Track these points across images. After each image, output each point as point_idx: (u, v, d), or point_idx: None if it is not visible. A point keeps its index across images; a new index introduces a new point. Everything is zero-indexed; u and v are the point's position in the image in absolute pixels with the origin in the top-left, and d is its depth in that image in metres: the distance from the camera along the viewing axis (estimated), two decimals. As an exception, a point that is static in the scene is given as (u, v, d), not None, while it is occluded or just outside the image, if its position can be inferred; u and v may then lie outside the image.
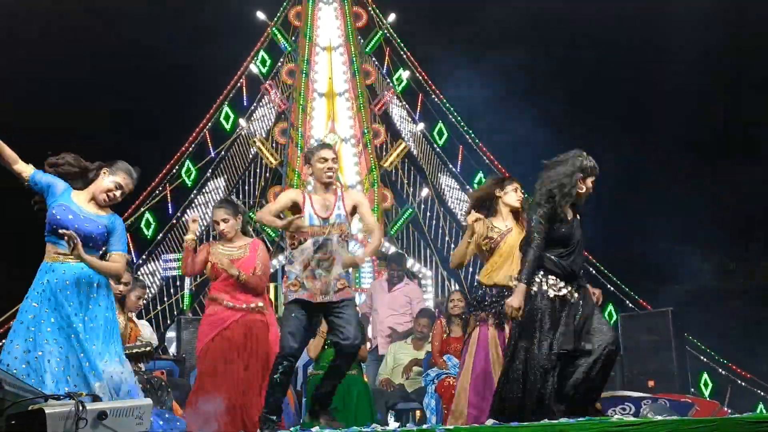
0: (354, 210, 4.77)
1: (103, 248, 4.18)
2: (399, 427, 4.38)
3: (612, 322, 12.63)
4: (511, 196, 5.19)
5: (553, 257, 4.44)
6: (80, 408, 3.09)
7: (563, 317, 4.38)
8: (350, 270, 4.73)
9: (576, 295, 4.46)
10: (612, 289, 11.70)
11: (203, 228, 11.57)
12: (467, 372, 5.03)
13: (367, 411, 6.08)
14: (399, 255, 8.97)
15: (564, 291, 4.42)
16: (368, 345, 7.67)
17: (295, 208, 4.72)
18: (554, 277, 4.43)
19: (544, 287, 4.42)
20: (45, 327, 3.93)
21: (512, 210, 5.18)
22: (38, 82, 14.01)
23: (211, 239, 5.64)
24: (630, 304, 11.86)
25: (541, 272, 4.43)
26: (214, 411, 4.91)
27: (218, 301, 5.27)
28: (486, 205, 5.23)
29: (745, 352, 11.86)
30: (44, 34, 13.69)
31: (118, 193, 4.18)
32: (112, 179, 4.16)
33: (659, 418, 4.13)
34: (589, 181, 4.54)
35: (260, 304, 5.33)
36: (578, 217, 4.59)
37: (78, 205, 4.10)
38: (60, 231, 3.92)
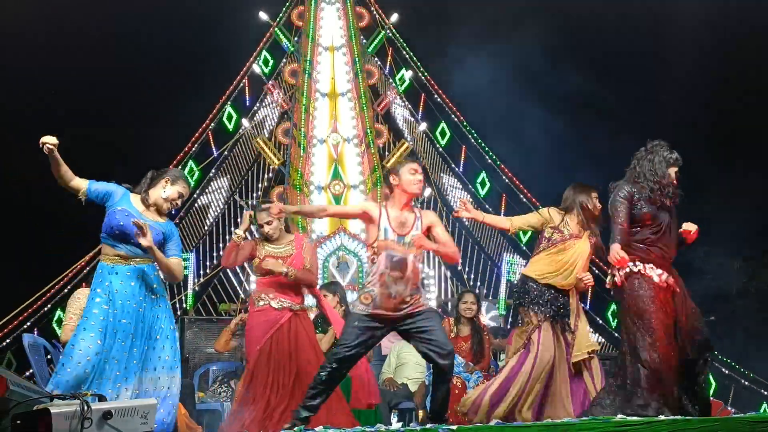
0: (428, 230, 4.69)
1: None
2: (402, 426, 4.38)
3: (615, 321, 12.68)
4: (592, 204, 5.25)
5: (642, 245, 4.56)
6: (85, 407, 3.10)
7: (675, 309, 4.47)
8: (422, 285, 4.70)
9: (678, 287, 4.53)
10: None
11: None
12: (524, 374, 5.02)
13: (371, 411, 6.08)
14: None
15: (666, 278, 4.51)
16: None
17: (367, 220, 4.67)
18: (651, 265, 4.53)
19: (646, 273, 4.51)
20: (110, 330, 4.05)
21: (586, 218, 5.22)
22: (41, 84, 14.05)
23: (254, 237, 5.71)
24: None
25: (638, 261, 4.53)
26: (256, 416, 4.99)
27: (265, 300, 5.34)
28: (567, 207, 5.30)
29: (748, 352, 11.87)
30: (48, 38, 13.70)
31: (179, 201, 4.38)
32: (174, 189, 4.32)
33: (662, 417, 4.13)
34: (672, 171, 4.71)
35: (305, 304, 5.46)
36: (669, 206, 4.68)
37: (138, 210, 4.24)
38: (132, 221, 4.07)
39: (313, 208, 4.89)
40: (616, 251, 4.53)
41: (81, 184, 4.20)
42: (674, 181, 4.72)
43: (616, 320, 12.56)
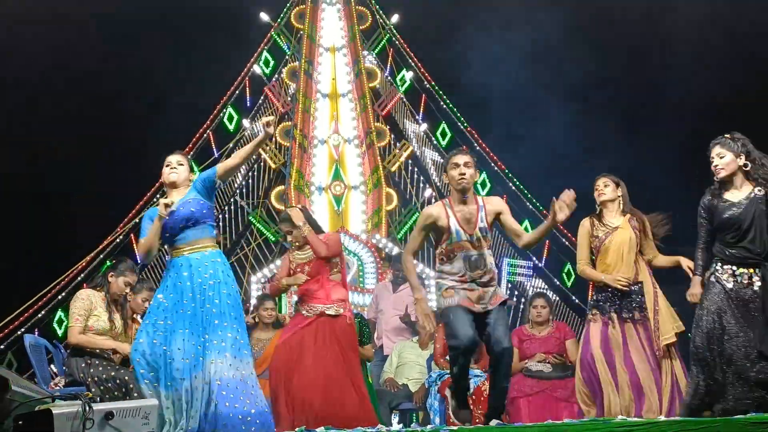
0: (495, 218, 4.66)
1: (208, 216, 4.39)
2: (402, 427, 4.39)
3: (570, 281, 12.73)
4: (594, 193, 5.25)
5: (722, 246, 4.43)
6: (87, 408, 3.11)
7: (749, 309, 4.32)
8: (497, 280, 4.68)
9: (760, 283, 4.35)
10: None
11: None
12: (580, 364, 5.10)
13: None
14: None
15: (743, 279, 4.37)
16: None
17: (437, 229, 4.62)
18: (729, 266, 4.39)
19: (721, 279, 4.39)
20: (174, 319, 4.17)
21: (622, 208, 5.20)
22: (45, 85, 14.07)
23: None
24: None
25: (718, 264, 4.42)
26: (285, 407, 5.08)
27: (298, 309, 5.51)
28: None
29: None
30: (47, 38, 13.71)
31: (175, 165, 4.47)
32: (166, 162, 4.51)
33: (662, 418, 4.13)
34: (712, 167, 4.51)
35: (340, 309, 5.43)
36: (760, 192, 4.44)
37: (163, 202, 4.38)
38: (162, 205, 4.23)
39: (408, 265, 4.75)
40: (694, 288, 4.51)
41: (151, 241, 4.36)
42: (717, 162, 4.47)
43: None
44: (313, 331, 5.32)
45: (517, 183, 13.37)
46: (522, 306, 11.90)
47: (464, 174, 4.54)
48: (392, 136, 13.16)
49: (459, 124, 13.65)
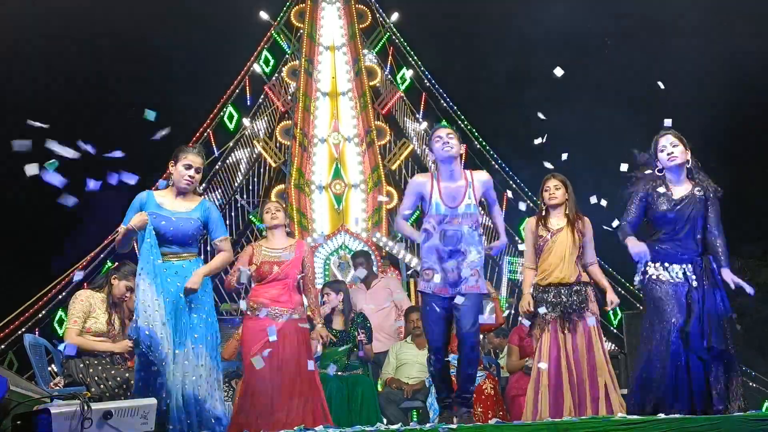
0: (483, 192, 4.62)
1: (201, 241, 4.32)
2: (401, 426, 4.38)
3: (616, 320, 12.66)
4: (545, 194, 5.19)
5: (653, 242, 4.41)
6: (85, 408, 3.11)
7: (685, 306, 4.30)
8: (482, 259, 4.54)
9: (695, 278, 4.35)
10: (616, 286, 11.70)
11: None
12: (542, 376, 4.98)
13: (373, 410, 6.09)
14: (364, 253, 8.70)
15: (675, 274, 4.37)
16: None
17: (422, 198, 4.58)
18: (660, 263, 4.39)
19: (654, 275, 4.38)
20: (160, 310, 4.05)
21: (565, 210, 5.15)
22: (45, 85, 14.07)
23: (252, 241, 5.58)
24: (634, 302, 11.86)
25: (651, 261, 4.40)
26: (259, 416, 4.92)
27: (257, 310, 5.14)
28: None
29: (749, 351, 11.86)
30: (48, 37, 13.72)
31: (194, 173, 4.30)
32: (181, 164, 4.33)
33: (662, 415, 4.12)
34: (664, 155, 4.46)
35: (300, 312, 5.26)
36: (699, 193, 4.45)
37: (166, 207, 4.24)
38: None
39: (401, 225, 4.77)
40: (633, 243, 4.35)
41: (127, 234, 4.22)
42: (670, 158, 4.43)
43: (617, 319, 12.56)
44: (291, 332, 5.13)
45: (520, 182, 13.37)
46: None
47: (448, 143, 4.50)
48: (392, 134, 13.16)
49: (460, 122, 13.65)
